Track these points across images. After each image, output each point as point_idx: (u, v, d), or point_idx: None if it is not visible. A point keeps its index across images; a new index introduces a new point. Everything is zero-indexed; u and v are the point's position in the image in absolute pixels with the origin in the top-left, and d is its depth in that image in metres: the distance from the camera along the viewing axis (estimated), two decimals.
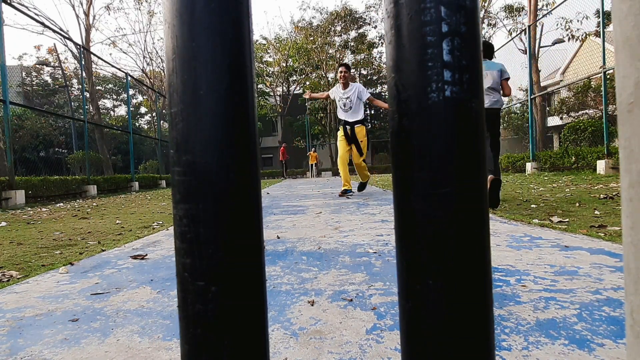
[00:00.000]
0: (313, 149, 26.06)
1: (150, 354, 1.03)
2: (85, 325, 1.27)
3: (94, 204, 7.60)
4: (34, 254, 2.53)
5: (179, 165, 0.36)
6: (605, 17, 9.32)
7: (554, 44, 19.98)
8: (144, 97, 35.46)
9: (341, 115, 6.62)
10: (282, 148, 24.09)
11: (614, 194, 4.33)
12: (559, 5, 11.33)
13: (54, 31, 11.82)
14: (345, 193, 6.49)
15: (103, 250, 2.57)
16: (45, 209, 6.61)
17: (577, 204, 3.70)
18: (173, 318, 1.30)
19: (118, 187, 13.27)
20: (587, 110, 18.71)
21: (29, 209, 6.87)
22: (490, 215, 3.34)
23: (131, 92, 29.14)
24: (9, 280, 1.90)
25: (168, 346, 1.08)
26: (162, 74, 30.50)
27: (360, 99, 6.48)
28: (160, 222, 4.03)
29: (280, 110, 36.14)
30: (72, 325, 1.27)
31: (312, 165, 25.65)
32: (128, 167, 16.61)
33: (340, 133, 6.64)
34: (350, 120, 6.49)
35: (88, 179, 11.67)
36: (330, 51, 34.39)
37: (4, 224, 4.52)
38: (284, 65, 36.11)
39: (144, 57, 33.80)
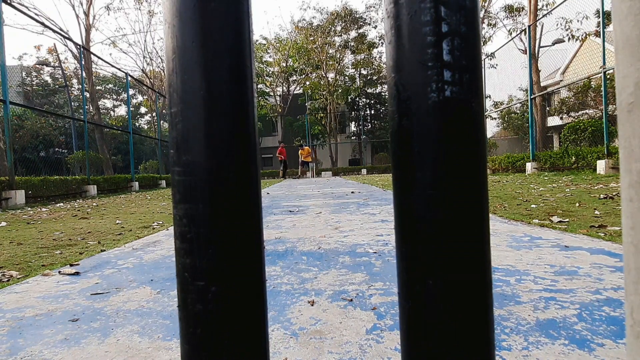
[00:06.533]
0: (301, 145, 23.79)
1: (150, 354, 1.03)
2: (85, 325, 1.27)
3: (94, 204, 7.60)
4: (34, 254, 2.53)
5: (179, 165, 0.36)
6: (605, 17, 9.32)
7: (554, 44, 19.98)
8: (144, 97, 35.47)
9: None
10: (281, 148, 23.64)
11: (614, 194, 4.33)
12: (559, 5, 11.33)
13: (54, 31, 11.83)
14: None
15: (103, 250, 2.57)
16: (45, 209, 6.61)
17: (577, 204, 3.70)
18: (173, 318, 1.30)
19: (118, 187, 13.27)
20: (587, 110, 18.74)
21: (29, 209, 6.87)
22: (490, 215, 3.33)
23: (131, 92, 29.11)
24: (9, 280, 1.90)
25: (168, 346, 1.08)
26: (162, 74, 30.52)
27: None
28: (160, 222, 4.03)
29: (280, 110, 36.15)
30: (72, 325, 1.27)
31: (305, 163, 23.45)
32: (128, 167, 16.61)
33: None
34: None
35: (88, 179, 11.67)
36: (330, 51, 34.39)
37: (4, 224, 4.52)
38: (284, 65, 36.11)
39: (144, 57, 33.83)
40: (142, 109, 41.08)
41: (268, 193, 8.59)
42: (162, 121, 19.95)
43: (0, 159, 10.63)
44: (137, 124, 40.62)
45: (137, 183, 14.48)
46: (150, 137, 21.93)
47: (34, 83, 29.84)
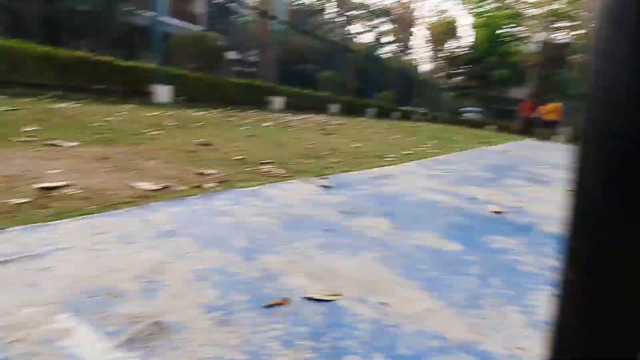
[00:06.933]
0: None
1: (389, 284, 1.11)
2: (336, 239, 1.43)
3: (336, 122, 8.35)
4: (290, 158, 2.99)
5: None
6: None
7: None
8: (394, 26, 35.85)
9: None
10: (525, 103, 19.73)
11: None
12: None
13: None
14: None
15: (347, 171, 2.82)
16: (297, 118, 7.63)
17: None
18: (410, 257, 1.34)
19: (356, 109, 14.32)
20: None
21: (286, 114, 8.04)
22: None
23: (378, 21, 29.61)
24: (279, 176, 2.30)
25: (405, 283, 1.13)
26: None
27: None
28: (395, 156, 4.14)
29: (537, 59, 32.15)
30: (327, 235, 1.46)
31: (551, 122, 18.12)
32: (365, 92, 17.57)
33: None
34: None
35: (333, 97, 12.96)
36: None
37: (270, 123, 5.41)
38: (549, 8, 31.29)
39: None
40: (387, 38, 41.79)
41: (510, 151, 7.97)
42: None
43: (269, 70, 12.53)
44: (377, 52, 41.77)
45: (373, 109, 15.36)
46: (396, 69, 22.41)
47: (295, 3, 33.14)
